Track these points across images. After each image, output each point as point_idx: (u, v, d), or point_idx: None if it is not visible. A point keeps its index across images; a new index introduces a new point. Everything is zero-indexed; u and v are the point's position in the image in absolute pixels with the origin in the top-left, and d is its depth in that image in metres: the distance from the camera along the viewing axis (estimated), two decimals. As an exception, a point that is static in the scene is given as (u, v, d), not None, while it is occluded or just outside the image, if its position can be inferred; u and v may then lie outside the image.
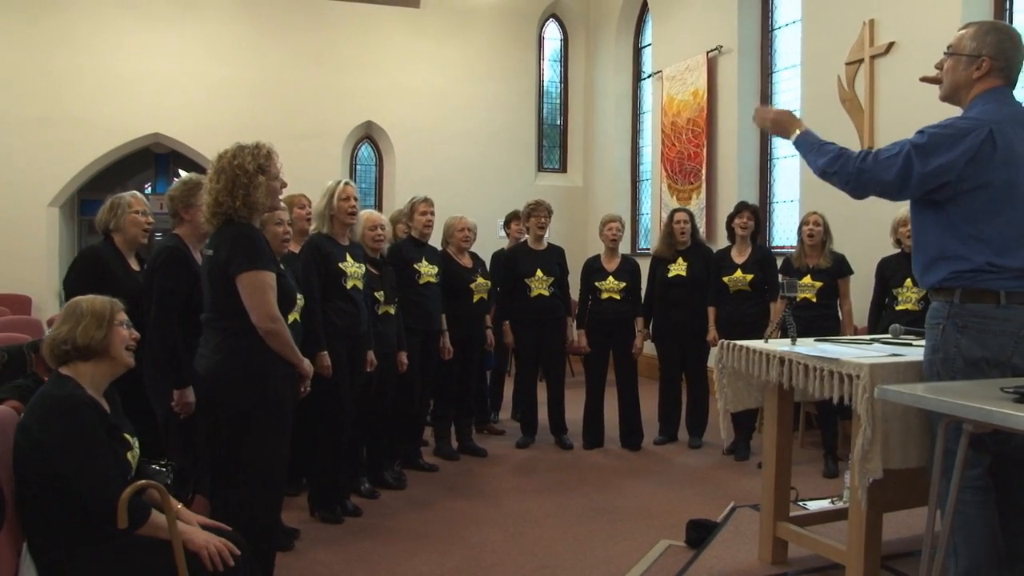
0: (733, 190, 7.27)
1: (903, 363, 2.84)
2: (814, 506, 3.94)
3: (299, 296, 3.66)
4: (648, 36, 9.24)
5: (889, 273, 4.75)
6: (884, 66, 5.77)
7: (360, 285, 4.13)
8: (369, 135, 9.59)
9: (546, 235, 5.69)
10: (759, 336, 3.74)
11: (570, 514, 4.17)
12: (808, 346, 3.25)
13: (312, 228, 4.23)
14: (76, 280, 3.45)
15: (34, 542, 2.22)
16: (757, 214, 5.51)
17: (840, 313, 5.05)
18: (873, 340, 3.44)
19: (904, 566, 3.37)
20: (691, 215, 5.67)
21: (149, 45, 8.57)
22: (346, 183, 4.17)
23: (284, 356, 2.82)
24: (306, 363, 2.97)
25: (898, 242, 4.74)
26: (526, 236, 5.91)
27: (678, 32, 8.27)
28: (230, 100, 8.73)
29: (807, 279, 4.97)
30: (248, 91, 8.81)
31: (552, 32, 10.27)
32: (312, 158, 8.45)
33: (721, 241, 6.16)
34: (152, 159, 10.29)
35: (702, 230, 6.96)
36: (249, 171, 2.76)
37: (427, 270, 4.91)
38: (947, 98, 2.64)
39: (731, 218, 5.46)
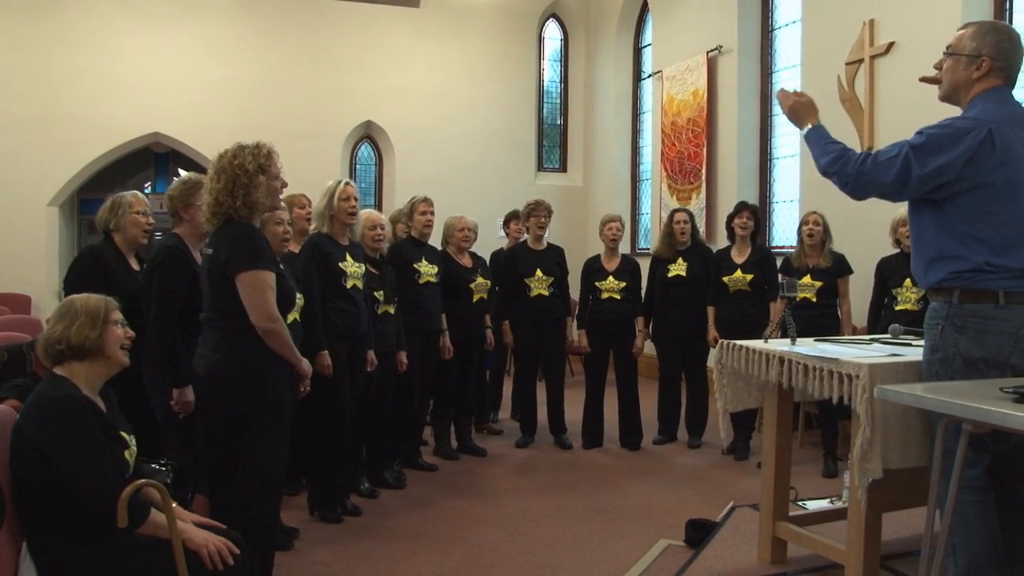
0: (733, 190, 7.27)
1: (902, 363, 2.84)
2: (813, 506, 3.94)
3: (299, 296, 3.67)
4: (648, 36, 9.24)
5: (888, 273, 4.76)
6: (884, 66, 5.77)
7: (360, 285, 4.13)
8: (369, 135, 9.59)
9: (546, 235, 5.69)
10: (759, 336, 3.74)
11: (570, 514, 4.17)
12: (808, 346, 3.25)
13: (312, 228, 4.23)
14: (77, 280, 3.45)
15: (33, 542, 2.21)
16: (757, 214, 5.51)
17: (839, 313, 5.06)
18: (873, 340, 3.45)
19: (903, 566, 3.37)
20: (691, 215, 5.67)
21: (148, 45, 8.56)
22: (346, 183, 4.17)
23: (283, 356, 2.82)
24: (305, 363, 2.97)
25: (897, 242, 4.75)
26: (525, 236, 5.92)
27: (678, 32, 8.27)
28: (230, 100, 8.73)
29: (807, 279, 4.97)
30: (248, 91, 8.81)
31: (552, 32, 10.27)
32: (312, 158, 8.45)
33: (721, 241, 6.16)
34: (152, 159, 10.29)
35: (702, 230, 6.96)
36: (249, 171, 2.76)
37: (427, 270, 4.91)
38: (947, 98, 2.64)
39: (731, 218, 5.46)
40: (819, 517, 3.63)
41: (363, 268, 4.19)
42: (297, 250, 4.09)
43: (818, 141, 2.67)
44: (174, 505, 2.41)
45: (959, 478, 2.19)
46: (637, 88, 9.56)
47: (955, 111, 2.60)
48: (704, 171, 7.72)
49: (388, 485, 4.56)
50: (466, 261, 5.33)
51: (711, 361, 4.54)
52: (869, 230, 5.23)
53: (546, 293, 5.50)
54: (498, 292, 5.60)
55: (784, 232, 7.16)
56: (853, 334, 4.76)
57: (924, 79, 2.73)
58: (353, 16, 9.21)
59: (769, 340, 3.43)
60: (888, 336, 3.46)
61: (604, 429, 5.62)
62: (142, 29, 8.55)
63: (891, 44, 5.70)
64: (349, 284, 4.06)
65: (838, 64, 6.12)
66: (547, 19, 10.19)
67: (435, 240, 5.19)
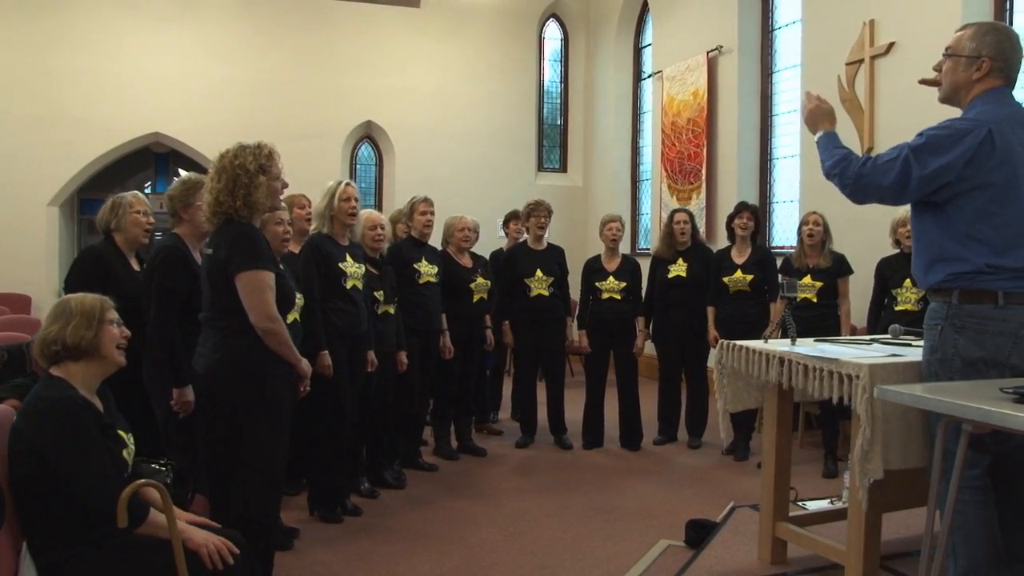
0: (733, 190, 7.27)
1: (902, 363, 2.84)
2: (813, 506, 3.94)
3: (299, 296, 3.67)
4: (648, 36, 9.24)
5: (888, 273, 4.76)
6: (884, 66, 5.77)
7: (360, 285, 4.13)
8: (369, 135, 9.59)
9: (546, 235, 5.69)
10: (759, 336, 3.74)
11: (569, 514, 4.17)
12: (808, 346, 3.25)
13: (312, 228, 4.23)
14: (78, 280, 3.45)
15: (33, 542, 2.21)
16: (757, 214, 5.51)
17: (840, 313, 5.05)
18: (873, 340, 3.45)
19: (903, 566, 3.37)
20: (691, 215, 5.67)
21: (148, 45, 8.57)
22: (347, 183, 4.17)
23: (282, 356, 2.82)
24: (304, 363, 2.97)
25: (897, 242, 4.75)
26: (524, 236, 5.91)
27: (678, 32, 8.27)
28: (230, 100, 8.74)
29: (807, 279, 4.97)
30: (248, 91, 8.81)
31: (552, 32, 10.27)
32: (312, 158, 8.45)
33: (721, 241, 6.16)
34: (152, 159, 10.28)
35: (702, 230, 6.96)
36: (250, 171, 2.76)
37: (427, 270, 4.91)
38: (947, 100, 2.64)
39: (731, 218, 5.46)
40: (819, 517, 3.63)
41: (363, 268, 4.19)
42: (297, 250, 4.10)
43: (827, 146, 2.69)
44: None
45: (959, 478, 2.19)
46: (637, 88, 9.56)
47: (955, 112, 2.60)
48: (704, 171, 7.72)
49: (388, 485, 4.56)
50: (466, 261, 5.33)
51: (711, 361, 4.54)
52: (869, 230, 5.23)
53: (546, 293, 5.50)
54: (498, 292, 5.60)
55: (784, 232, 7.16)
56: (853, 334, 4.76)
57: (923, 81, 2.73)
58: (353, 16, 9.21)
59: (769, 340, 3.43)
60: (888, 336, 3.46)
61: (604, 429, 5.62)
62: (142, 29, 8.55)
63: (891, 44, 5.70)
64: (349, 284, 4.06)
65: (838, 64, 6.12)
66: (547, 19, 10.19)
67: (435, 240, 5.19)
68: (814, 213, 5.11)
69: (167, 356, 3.17)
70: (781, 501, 3.45)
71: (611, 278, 5.49)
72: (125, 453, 2.39)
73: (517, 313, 5.55)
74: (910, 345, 3.21)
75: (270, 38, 8.94)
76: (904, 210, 4.27)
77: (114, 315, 2.44)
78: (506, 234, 6.61)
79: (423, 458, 5.08)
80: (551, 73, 10.29)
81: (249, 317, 2.72)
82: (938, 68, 2.63)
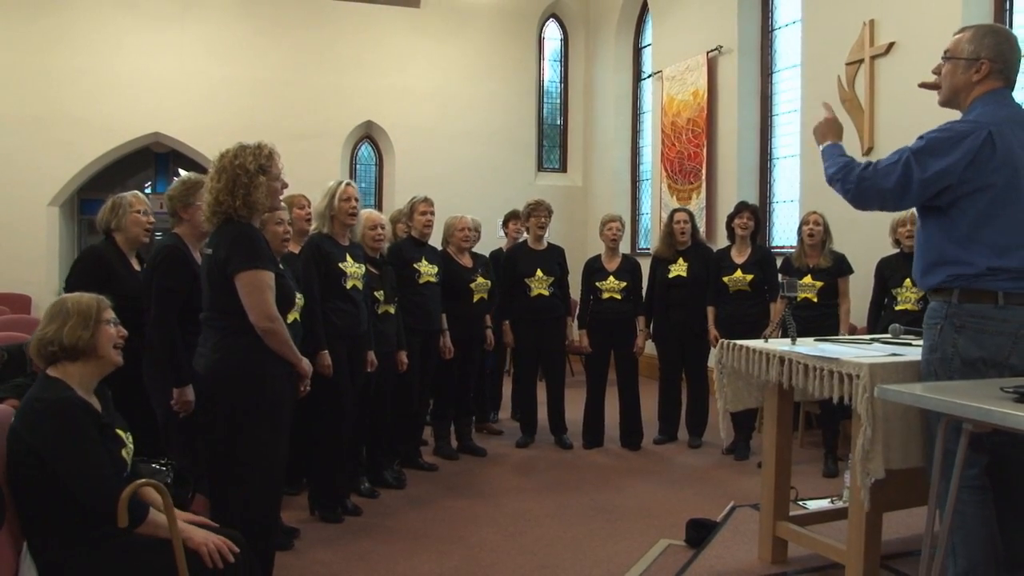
0: (733, 190, 7.27)
1: (903, 363, 2.85)
2: (814, 506, 3.94)
3: (299, 296, 3.67)
4: (648, 36, 9.24)
5: (888, 273, 4.76)
6: (884, 66, 5.77)
7: (360, 285, 4.13)
8: (369, 135, 9.59)
9: (546, 235, 5.69)
10: (759, 336, 3.74)
11: (570, 513, 4.18)
12: (808, 346, 3.25)
13: (312, 228, 4.23)
14: (79, 280, 3.45)
15: (33, 542, 2.21)
16: (757, 214, 5.51)
17: (840, 312, 5.05)
18: (873, 340, 3.45)
19: (904, 566, 3.37)
20: (691, 215, 5.67)
21: (148, 45, 8.57)
22: (347, 183, 4.17)
23: (282, 355, 2.82)
24: (304, 362, 2.97)
25: (897, 242, 4.75)
26: (524, 236, 5.91)
27: (678, 32, 8.27)
28: (230, 100, 8.74)
29: (807, 279, 4.97)
30: (248, 91, 8.81)
31: (552, 32, 10.27)
32: (312, 158, 8.45)
33: (721, 241, 6.16)
34: (152, 158, 10.28)
35: (702, 230, 6.96)
36: (250, 171, 2.76)
37: (427, 270, 4.91)
38: (946, 102, 2.64)
39: (731, 218, 5.46)
40: (819, 517, 3.64)
41: (363, 268, 4.19)
42: (297, 250, 4.10)
43: (831, 154, 2.73)
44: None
45: (959, 478, 2.19)
46: (637, 88, 9.56)
47: (955, 113, 2.61)
48: (704, 171, 7.72)
49: (388, 485, 4.56)
50: (466, 261, 5.33)
51: (711, 361, 4.54)
52: (869, 230, 5.23)
53: (546, 293, 5.50)
54: (498, 292, 5.60)
55: (784, 232, 7.16)
56: (853, 334, 4.76)
57: (923, 85, 2.74)
58: (353, 16, 9.21)
59: (769, 340, 3.43)
60: (888, 336, 3.46)
61: (604, 429, 5.63)
62: (142, 29, 8.55)
63: (891, 44, 5.70)
64: (349, 284, 4.06)
65: (838, 64, 6.12)
66: (547, 19, 10.19)
67: (435, 240, 5.19)
68: (814, 213, 5.11)
69: (167, 356, 3.17)
70: (781, 500, 3.45)
71: (611, 278, 5.49)
72: (124, 452, 2.39)
73: (517, 313, 5.55)
74: (910, 345, 3.21)
75: (270, 38, 8.94)
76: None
77: (111, 315, 2.42)
78: (506, 234, 6.61)
79: (423, 458, 5.08)
80: (551, 73, 10.30)
81: (249, 317, 2.73)
82: (937, 71, 2.64)
